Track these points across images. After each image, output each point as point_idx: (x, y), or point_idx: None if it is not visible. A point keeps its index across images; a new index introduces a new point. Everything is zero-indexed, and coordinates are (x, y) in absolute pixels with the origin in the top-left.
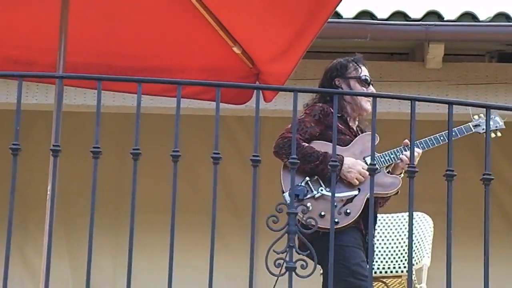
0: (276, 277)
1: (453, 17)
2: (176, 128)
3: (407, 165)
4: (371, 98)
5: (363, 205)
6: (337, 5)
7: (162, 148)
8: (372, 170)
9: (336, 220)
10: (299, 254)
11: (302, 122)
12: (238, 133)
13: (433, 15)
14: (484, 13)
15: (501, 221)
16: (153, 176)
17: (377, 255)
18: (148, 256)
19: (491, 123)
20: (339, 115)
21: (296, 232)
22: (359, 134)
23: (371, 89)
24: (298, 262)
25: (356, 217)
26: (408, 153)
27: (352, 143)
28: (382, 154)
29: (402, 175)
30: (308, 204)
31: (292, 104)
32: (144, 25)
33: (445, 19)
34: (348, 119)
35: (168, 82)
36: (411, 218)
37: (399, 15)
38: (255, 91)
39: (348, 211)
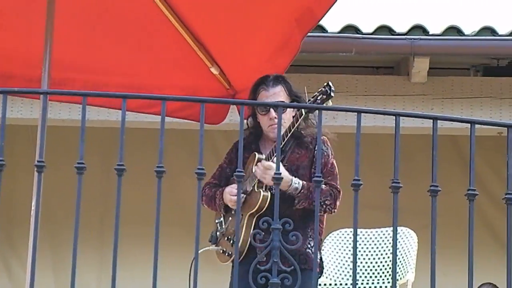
0: None
1: (438, 31)
2: (160, 143)
3: (261, 178)
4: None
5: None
6: (319, 21)
7: (146, 162)
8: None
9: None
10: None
11: None
12: (223, 147)
13: (418, 29)
14: (469, 27)
15: (485, 233)
16: (137, 190)
17: (361, 270)
18: (131, 268)
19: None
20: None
21: (279, 247)
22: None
23: (272, 114)
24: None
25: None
26: (258, 165)
27: None
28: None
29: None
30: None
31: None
32: (125, 42)
33: (430, 33)
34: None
35: (153, 98)
36: (395, 233)
37: (384, 29)
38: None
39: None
